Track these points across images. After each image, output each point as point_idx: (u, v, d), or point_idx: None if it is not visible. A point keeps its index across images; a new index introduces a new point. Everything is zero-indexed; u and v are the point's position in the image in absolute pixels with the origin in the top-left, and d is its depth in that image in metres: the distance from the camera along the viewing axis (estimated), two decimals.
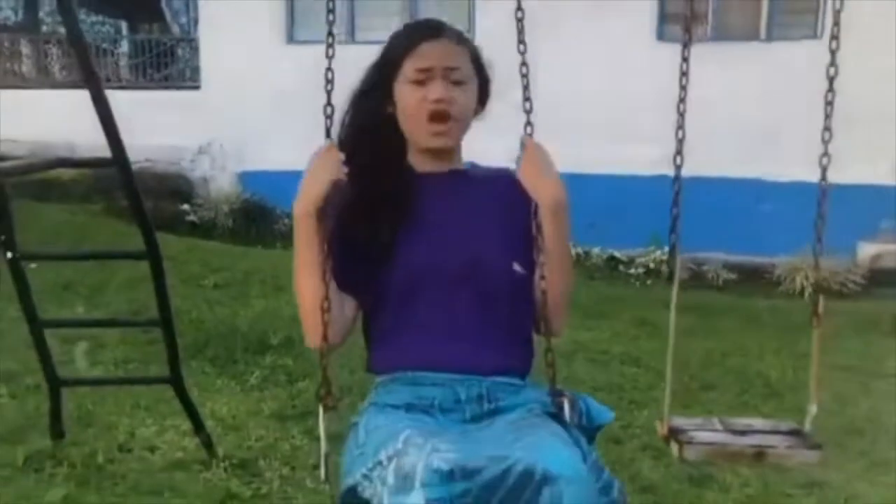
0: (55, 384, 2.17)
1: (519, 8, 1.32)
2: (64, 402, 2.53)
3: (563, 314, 1.32)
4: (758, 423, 1.88)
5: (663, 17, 7.43)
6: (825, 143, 1.72)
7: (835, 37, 1.63)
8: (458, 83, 1.29)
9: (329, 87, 1.28)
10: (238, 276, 5.30)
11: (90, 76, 1.13)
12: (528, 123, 1.29)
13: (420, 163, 1.35)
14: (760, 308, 5.91)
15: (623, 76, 7.27)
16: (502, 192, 1.31)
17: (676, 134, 1.69)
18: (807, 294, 6.65)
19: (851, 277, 6.75)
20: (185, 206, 7.84)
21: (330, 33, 1.32)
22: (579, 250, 7.31)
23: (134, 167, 7.66)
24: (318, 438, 2.90)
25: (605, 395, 3.51)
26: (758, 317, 5.66)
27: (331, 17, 1.32)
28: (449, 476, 1.00)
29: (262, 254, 6.52)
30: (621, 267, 7.17)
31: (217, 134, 8.29)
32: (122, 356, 3.48)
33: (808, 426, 1.83)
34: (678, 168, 1.70)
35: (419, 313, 1.28)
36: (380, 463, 1.09)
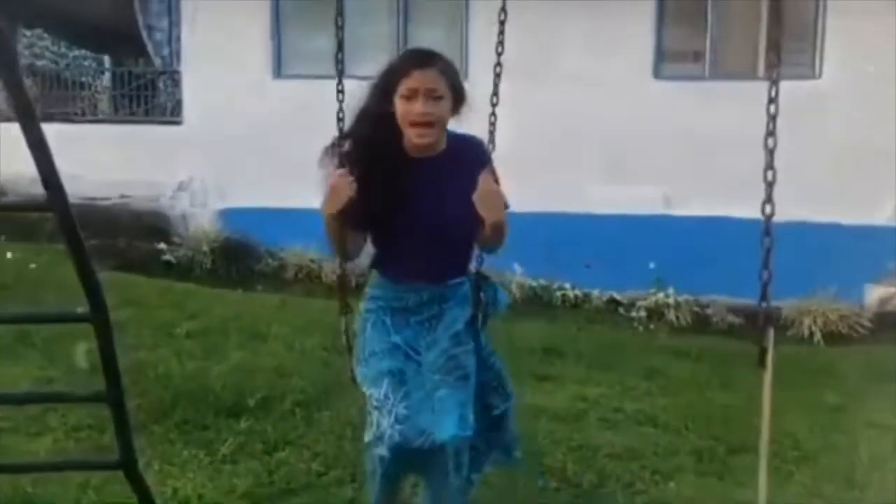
0: None
1: (498, 63, 2.10)
2: None
3: (496, 248, 2.04)
4: None
5: (660, 55, 7.24)
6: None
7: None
8: (436, 99, 1.91)
9: (340, 114, 2.05)
10: (214, 322, 4.88)
11: (20, 102, 0.86)
12: (492, 141, 2.11)
13: (411, 149, 1.98)
14: (773, 356, 5.56)
15: (620, 114, 7.05)
16: (472, 165, 1.92)
17: (765, 177, 1.36)
18: (816, 338, 6.35)
19: (859, 321, 6.46)
20: (162, 245, 7.42)
21: (339, 61, 2.11)
22: (577, 293, 6.97)
23: (109, 203, 7.15)
24: None
25: (625, 464, 3.12)
26: (772, 365, 5.31)
27: (340, 46, 2.12)
28: (400, 444, 1.88)
29: (241, 298, 6.10)
30: (621, 310, 6.82)
31: (198, 170, 7.92)
32: (75, 421, 3.04)
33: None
34: (769, 218, 1.36)
35: (406, 251, 2.02)
36: (372, 401, 1.94)
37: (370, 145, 1.95)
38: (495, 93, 2.02)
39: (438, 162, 1.99)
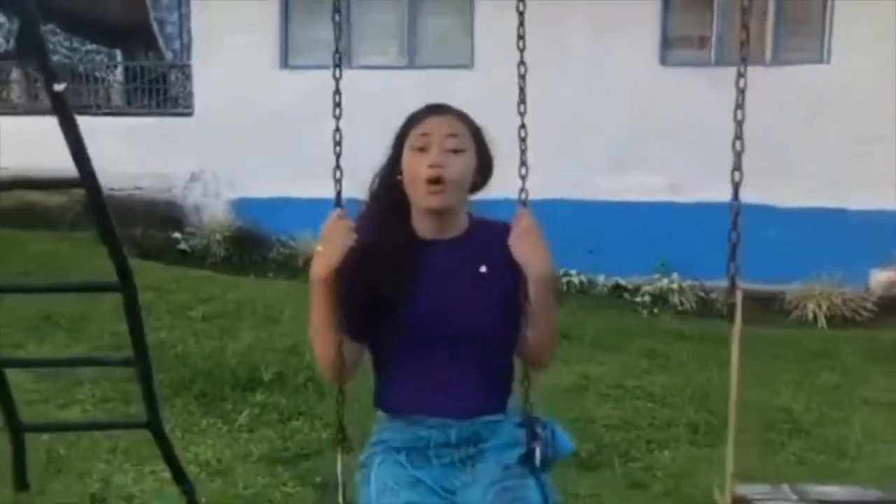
0: (18, 430, 1.92)
1: (521, 63, 1.48)
2: (30, 449, 2.27)
3: (545, 363, 1.52)
4: (836, 491, 1.64)
5: (666, 42, 7.32)
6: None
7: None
8: (455, 151, 1.44)
9: (337, 113, 1.48)
10: (229, 306, 5.06)
11: (55, 97, 0.99)
12: (524, 194, 1.43)
13: (423, 228, 1.50)
14: (773, 337, 5.68)
15: (627, 101, 7.14)
16: (498, 250, 1.43)
17: (734, 148, 1.49)
18: (820, 322, 6.44)
19: (864, 305, 6.54)
20: (177, 234, 7.61)
21: (337, 65, 1.50)
22: (583, 278, 7.09)
23: (124, 194, 7.38)
24: (311, 485, 2.60)
25: (622, 434, 3.27)
26: (771, 347, 5.42)
27: (338, 47, 1.51)
28: None
29: (254, 283, 6.28)
30: (627, 295, 6.94)
31: (210, 161, 8.09)
32: (101, 394, 3.23)
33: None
34: (736, 187, 1.49)
35: (418, 367, 1.48)
36: None
37: (375, 216, 1.50)
38: (522, 100, 1.47)
39: (457, 245, 1.49)
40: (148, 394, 2.14)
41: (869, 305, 6.53)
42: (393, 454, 1.48)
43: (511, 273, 1.41)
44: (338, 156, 1.47)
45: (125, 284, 1.90)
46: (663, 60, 7.30)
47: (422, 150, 1.44)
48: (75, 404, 3.14)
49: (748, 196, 6.27)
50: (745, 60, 1.44)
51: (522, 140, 1.45)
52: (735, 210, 1.46)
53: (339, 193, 1.46)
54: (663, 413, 3.62)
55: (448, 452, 1.47)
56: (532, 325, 1.43)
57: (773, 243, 7.18)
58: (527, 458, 1.44)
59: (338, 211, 1.42)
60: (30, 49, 1.62)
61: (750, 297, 6.59)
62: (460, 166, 1.44)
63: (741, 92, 1.45)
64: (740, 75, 1.43)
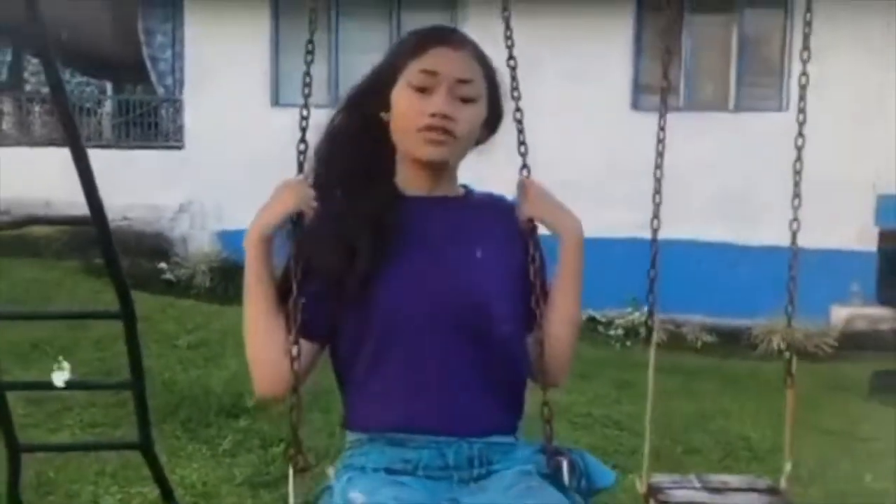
0: (14, 450, 2.08)
1: (510, 56, 1.23)
2: (23, 469, 2.42)
3: (567, 365, 1.21)
4: (734, 480, 1.87)
5: (638, 87, 7.68)
6: (794, 209, 1.79)
7: (801, 110, 1.73)
8: (466, 100, 1.13)
9: (304, 124, 1.18)
10: (213, 335, 5.20)
11: (72, 133, 1.10)
12: (525, 166, 1.23)
13: (409, 183, 1.16)
14: (739, 370, 5.91)
15: (600, 143, 7.46)
16: (503, 225, 1.15)
17: (654, 199, 1.74)
18: (783, 356, 6.67)
19: (825, 340, 6.81)
20: (163, 265, 7.76)
21: (307, 74, 1.25)
22: None
23: (112, 225, 7.57)
24: None
25: None
26: (737, 379, 5.66)
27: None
28: None
29: (238, 313, 6.37)
30: (601, 328, 7.17)
31: (198, 193, 8.30)
32: (90, 419, 3.37)
33: (783, 484, 1.83)
34: (655, 231, 1.74)
35: (401, 368, 1.07)
36: None
37: (340, 170, 1.15)
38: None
39: (451, 206, 1.17)
40: (141, 416, 2.31)
41: (830, 341, 6.80)
42: (367, 472, 1.08)
43: (520, 253, 1.13)
44: (301, 151, 1.18)
45: (126, 312, 2.09)
46: (634, 105, 7.65)
47: (424, 90, 1.11)
48: (64, 429, 3.28)
49: (715, 235, 6.70)
50: (664, 112, 1.67)
51: (519, 121, 1.24)
52: (654, 250, 1.70)
53: (301, 164, 1.18)
54: (628, 440, 3.81)
55: (445, 475, 1.08)
56: (556, 314, 1.14)
57: (742, 280, 7.48)
58: (552, 476, 1.09)
59: (299, 176, 1.14)
60: (49, 85, 1.80)
61: (719, 332, 6.88)
62: (470, 119, 1.13)
63: (661, 142, 1.68)
64: (661, 128, 1.67)
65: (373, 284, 1.07)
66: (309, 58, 1.23)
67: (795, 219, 1.76)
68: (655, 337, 1.72)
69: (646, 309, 6.26)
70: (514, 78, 1.20)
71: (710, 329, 7.03)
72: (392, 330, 1.07)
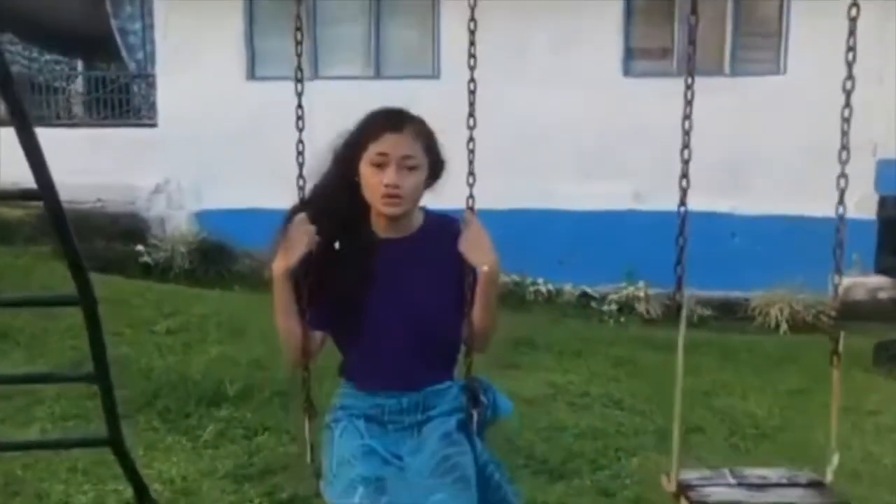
0: None
1: (471, 81, 1.63)
2: None
3: (486, 345, 1.71)
4: (773, 474, 1.71)
5: (629, 53, 7.44)
6: (842, 163, 1.61)
7: (851, 48, 1.54)
8: (410, 168, 1.62)
9: (300, 125, 1.64)
10: (193, 320, 4.97)
11: (14, 107, 0.96)
12: (471, 196, 1.60)
13: (380, 227, 1.69)
14: (738, 344, 5.78)
15: (590, 111, 7.23)
16: (448, 247, 1.61)
17: (682, 156, 1.54)
18: (782, 328, 6.57)
19: (824, 311, 6.69)
20: (139, 247, 7.47)
21: (298, 69, 1.60)
22: (550, 287, 7.14)
23: (85, 207, 7.23)
24: (279, 501, 2.56)
25: (590, 443, 3.28)
26: (736, 353, 5.52)
27: (299, 51, 1.61)
28: None
29: (219, 296, 6.18)
30: (594, 303, 7.01)
31: (174, 172, 7.98)
32: (61, 412, 3.14)
33: (829, 477, 1.66)
34: (683, 194, 1.54)
35: (377, 349, 1.68)
36: None
37: (330, 221, 1.63)
38: (472, 114, 1.59)
39: (411, 243, 1.69)
40: (109, 410, 2.10)
41: (830, 311, 6.67)
42: (353, 421, 1.67)
43: (459, 267, 1.61)
44: (301, 165, 1.63)
45: (85, 297, 1.86)
46: (626, 71, 7.41)
47: (379, 166, 1.60)
48: (34, 423, 3.05)
49: (711, 205, 6.43)
50: (692, 73, 1.49)
51: (471, 152, 1.61)
52: (682, 216, 1.51)
53: (302, 200, 1.63)
54: (631, 420, 3.65)
55: (400, 418, 1.68)
56: (477, 314, 1.64)
57: (737, 251, 7.34)
58: (465, 424, 1.64)
59: (301, 215, 1.60)
60: None
61: (715, 305, 6.67)
62: (414, 182, 1.63)
63: (689, 103, 1.50)
64: (688, 87, 1.48)
65: (359, 300, 1.66)
66: (299, 36, 1.60)
67: (843, 174, 1.58)
68: (685, 317, 1.53)
69: (641, 284, 6.03)
70: (471, 104, 1.62)
71: (705, 302, 6.88)
72: (370, 327, 1.67)
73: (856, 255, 7.09)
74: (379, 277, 1.65)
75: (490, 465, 1.63)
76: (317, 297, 1.61)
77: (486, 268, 1.58)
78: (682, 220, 1.46)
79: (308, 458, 1.68)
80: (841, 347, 1.59)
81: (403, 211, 1.64)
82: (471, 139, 1.60)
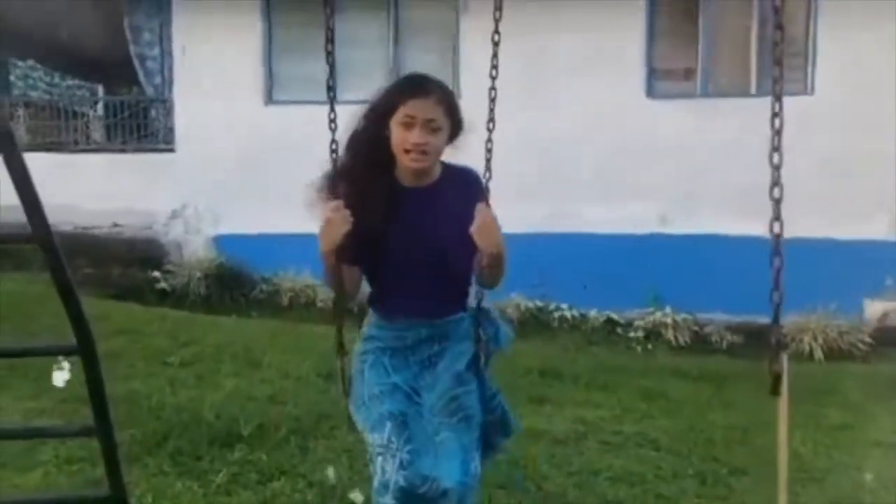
0: None
1: (492, 88, 1.86)
2: None
3: (494, 284, 1.92)
4: None
5: (652, 74, 7.28)
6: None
7: None
8: (434, 130, 1.86)
9: (333, 145, 1.89)
10: (208, 350, 4.82)
11: (2, 137, 0.83)
12: (486, 189, 1.90)
13: (405, 177, 1.93)
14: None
15: (614, 133, 7.07)
16: (464, 196, 1.86)
17: (771, 193, 1.36)
18: (817, 356, 6.31)
19: (860, 337, 6.42)
20: (156, 273, 7.38)
21: (330, 88, 1.93)
22: (575, 313, 6.93)
23: (102, 232, 7.13)
24: None
25: (627, 489, 3.06)
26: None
27: (330, 60, 1.94)
28: (406, 490, 1.77)
29: (236, 324, 6.05)
30: (619, 330, 6.78)
31: (191, 196, 7.92)
32: (66, 455, 2.98)
33: None
34: (777, 219, 1.36)
35: (400, 283, 1.95)
36: (375, 447, 1.83)
37: (362, 169, 1.90)
38: (491, 118, 1.88)
39: (432, 191, 1.94)
40: (111, 463, 1.94)
41: (865, 338, 6.41)
42: (380, 356, 1.95)
43: (472, 212, 1.80)
44: (333, 150, 1.89)
45: (84, 347, 1.71)
46: (649, 92, 7.25)
47: (407, 125, 1.84)
48: (37, 467, 2.89)
49: (738, 228, 6.13)
50: (780, 98, 1.31)
51: (488, 150, 1.90)
52: (777, 266, 1.32)
53: (332, 186, 1.89)
54: (668, 462, 3.43)
55: (420, 349, 1.94)
56: (485, 270, 1.87)
57: (765, 276, 7.09)
58: (474, 361, 1.94)
59: (336, 202, 1.82)
60: None
61: (745, 331, 6.34)
62: (437, 141, 1.87)
63: (777, 133, 1.32)
64: (775, 115, 1.30)
65: (386, 239, 1.90)
66: (331, 59, 1.96)
67: None
68: (786, 380, 1.33)
69: (668, 310, 5.76)
70: (491, 109, 1.89)
71: (734, 329, 6.63)
72: (395, 263, 1.93)
73: (889, 278, 6.83)
74: (402, 219, 1.89)
75: (497, 396, 2.01)
76: (352, 238, 1.81)
77: (490, 252, 1.80)
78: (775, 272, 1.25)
79: (341, 389, 2.00)
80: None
81: (426, 166, 1.88)
82: (489, 140, 1.90)
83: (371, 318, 2.01)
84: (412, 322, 1.94)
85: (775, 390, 1.27)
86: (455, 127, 1.91)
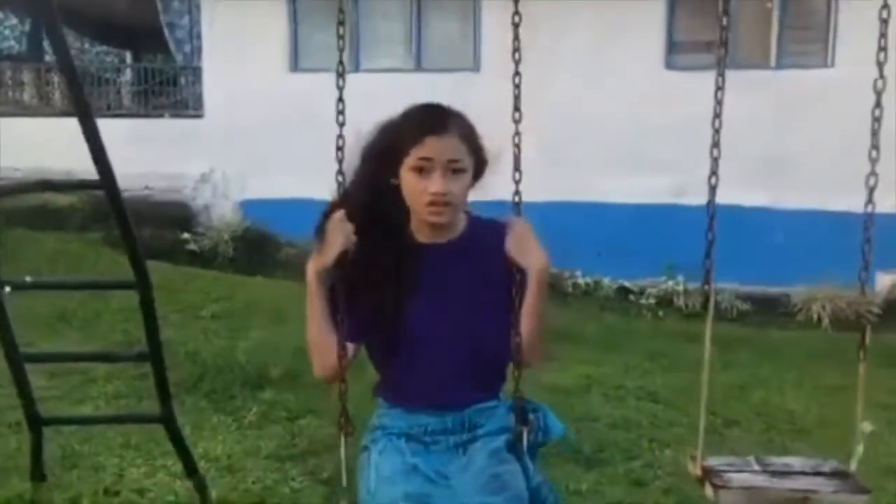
0: (36, 424, 2.00)
1: (516, 74, 1.49)
2: (47, 442, 2.34)
3: (536, 358, 1.54)
4: (797, 462, 1.73)
5: (671, 46, 7.36)
6: (872, 161, 1.63)
7: (883, 48, 1.55)
8: (456, 172, 1.46)
9: (340, 119, 1.48)
10: (238, 305, 5.13)
11: (77, 97, 1.04)
12: (517, 193, 1.48)
13: (422, 233, 1.54)
14: (777, 339, 5.71)
15: (632, 105, 7.19)
16: (495, 255, 1.49)
17: (711, 153, 1.57)
18: (824, 324, 6.46)
19: (869, 308, 6.54)
20: (186, 235, 7.70)
21: (340, 63, 1.51)
22: (588, 280, 7.14)
23: (133, 195, 7.51)
24: (319, 481, 2.64)
25: (623, 433, 3.31)
26: (775, 348, 5.46)
27: (341, 46, 1.51)
28: None
29: (263, 283, 6.35)
30: (632, 297, 6.99)
31: (219, 162, 8.20)
32: (113, 391, 3.29)
33: (853, 466, 1.68)
34: (713, 191, 1.58)
35: (418, 363, 1.54)
36: None
37: (366, 225, 1.48)
38: (517, 107, 1.48)
39: (455, 248, 1.54)
40: (161, 388, 2.21)
41: (874, 309, 6.53)
42: (393, 440, 1.54)
43: (507, 275, 1.47)
44: (340, 161, 1.46)
45: (141, 282, 1.98)
46: (668, 65, 7.34)
47: (422, 170, 1.45)
48: (88, 401, 3.21)
49: (752, 199, 6.33)
50: (722, 74, 1.52)
51: (516, 146, 1.47)
52: (711, 211, 1.57)
53: (342, 194, 1.47)
54: (665, 412, 3.66)
55: (444, 438, 1.54)
56: (525, 322, 1.48)
57: (779, 246, 7.22)
58: (514, 443, 1.51)
59: (339, 213, 1.45)
60: (53, 50, 1.69)
61: (755, 300, 6.54)
62: (462, 187, 1.48)
63: (719, 103, 1.53)
64: (718, 88, 1.51)
65: (399, 310, 1.51)
66: (341, 30, 1.49)
67: (873, 173, 1.59)
68: (712, 308, 1.56)
69: (680, 278, 6.00)
70: (516, 97, 1.49)
71: (744, 297, 6.80)
72: (411, 339, 1.52)
73: None
74: (421, 286, 1.51)
75: (544, 487, 1.53)
76: (353, 308, 1.46)
77: (536, 267, 1.46)
78: (710, 217, 1.48)
79: (343, 482, 1.50)
80: (868, 340, 1.60)
81: (449, 219, 1.49)
82: (517, 133, 1.46)
83: (379, 408, 1.61)
84: (433, 411, 1.54)
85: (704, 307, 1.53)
86: (480, 165, 1.53)
